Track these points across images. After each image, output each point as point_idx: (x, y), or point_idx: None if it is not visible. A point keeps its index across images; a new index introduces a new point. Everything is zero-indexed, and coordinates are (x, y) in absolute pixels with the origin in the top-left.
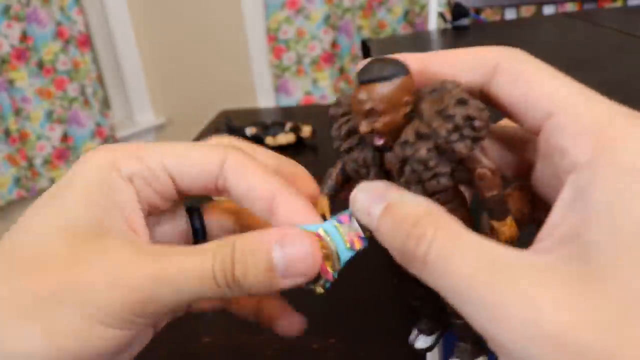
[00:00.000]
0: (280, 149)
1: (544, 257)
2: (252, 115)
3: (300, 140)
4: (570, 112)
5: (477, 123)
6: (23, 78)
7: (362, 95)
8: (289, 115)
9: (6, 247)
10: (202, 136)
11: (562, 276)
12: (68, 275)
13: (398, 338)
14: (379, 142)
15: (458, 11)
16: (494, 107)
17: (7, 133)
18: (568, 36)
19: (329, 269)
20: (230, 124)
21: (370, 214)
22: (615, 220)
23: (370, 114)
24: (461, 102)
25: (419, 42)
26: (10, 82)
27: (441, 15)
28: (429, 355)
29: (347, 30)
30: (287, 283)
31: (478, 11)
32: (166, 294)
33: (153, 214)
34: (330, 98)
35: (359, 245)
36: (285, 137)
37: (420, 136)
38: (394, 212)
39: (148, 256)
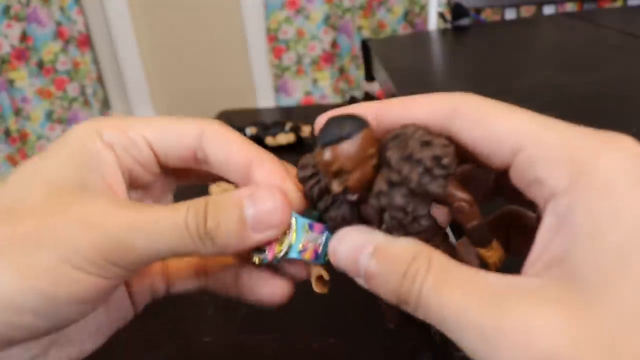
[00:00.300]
0: (280, 149)
1: (534, 281)
2: (252, 115)
3: (300, 140)
4: (539, 143)
5: (445, 161)
6: (23, 78)
7: (327, 156)
8: (289, 115)
9: None
10: None
11: (552, 299)
12: (45, 220)
13: (398, 338)
14: (353, 197)
15: (458, 11)
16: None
17: (7, 133)
18: (568, 36)
19: (275, 249)
20: (230, 124)
21: (358, 260)
22: (598, 241)
23: (339, 173)
24: (425, 143)
25: (419, 42)
26: (10, 82)
27: (441, 16)
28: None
29: (347, 30)
30: (258, 237)
31: (478, 11)
32: (140, 242)
33: (135, 186)
34: (330, 98)
35: (308, 257)
36: (285, 137)
37: (392, 184)
38: (385, 254)
39: (124, 207)
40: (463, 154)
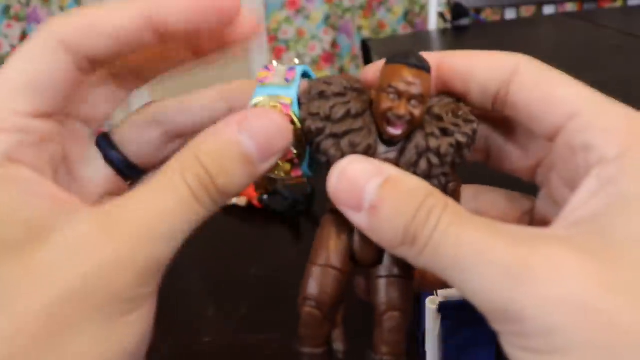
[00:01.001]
0: None
1: (561, 231)
2: None
3: None
4: (595, 112)
5: (473, 142)
6: None
7: (411, 78)
8: None
9: None
10: None
11: (580, 247)
12: (24, 309)
13: None
14: (399, 130)
15: (458, 11)
16: (507, 111)
17: None
18: (568, 36)
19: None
20: None
21: (364, 188)
22: (636, 207)
23: (414, 98)
24: (469, 119)
25: (419, 42)
26: None
27: (441, 15)
28: (429, 355)
29: (347, 30)
30: (266, 166)
31: (478, 11)
32: (160, 245)
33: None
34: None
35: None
36: None
37: (445, 132)
38: (399, 185)
39: (114, 220)
40: (513, 114)
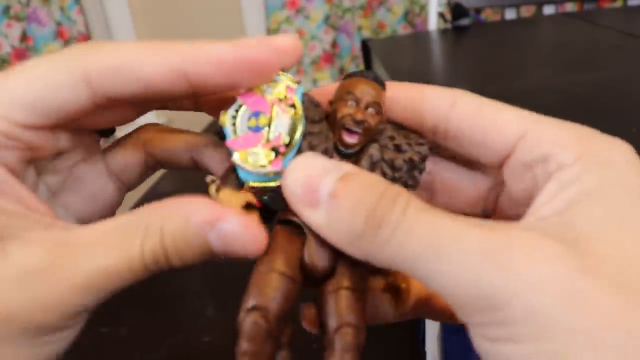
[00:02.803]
0: None
1: (533, 223)
2: None
3: None
4: (543, 128)
5: (424, 167)
6: None
7: (369, 88)
8: None
9: None
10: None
11: (552, 235)
12: None
13: (398, 336)
14: (354, 139)
15: (458, 11)
16: (449, 144)
17: None
18: (568, 36)
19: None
20: None
21: (319, 183)
22: (600, 200)
23: (370, 106)
24: (420, 142)
25: (419, 42)
26: None
27: (441, 16)
28: (428, 354)
29: (347, 30)
30: (226, 255)
31: (478, 11)
32: (96, 296)
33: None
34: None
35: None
36: None
37: (398, 148)
38: (358, 178)
39: (65, 260)
40: (456, 146)
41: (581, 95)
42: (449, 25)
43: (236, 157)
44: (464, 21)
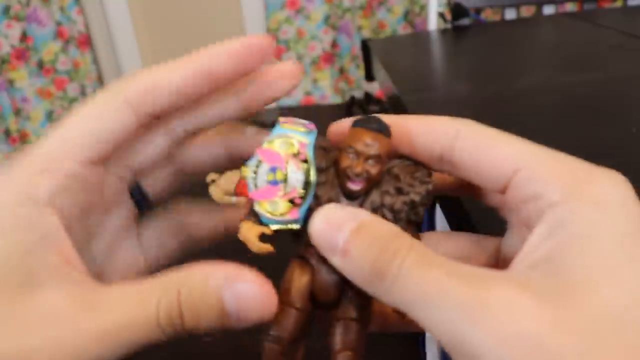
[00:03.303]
0: None
1: (517, 273)
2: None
3: None
4: (537, 163)
5: (428, 202)
6: (23, 78)
7: (369, 140)
8: (288, 116)
9: None
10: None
11: (537, 288)
12: (6, 348)
13: (398, 337)
14: (358, 186)
15: (458, 11)
16: (455, 172)
17: (7, 133)
18: (568, 36)
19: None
20: (230, 123)
21: (340, 232)
22: (587, 244)
23: (371, 158)
24: (425, 181)
25: (419, 42)
26: (10, 82)
27: (441, 16)
28: (429, 355)
29: (347, 30)
30: (239, 325)
31: (478, 11)
32: (111, 350)
33: (93, 211)
34: (331, 98)
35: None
36: None
37: (399, 191)
38: (368, 229)
39: (88, 312)
40: (462, 175)
41: (581, 95)
42: (449, 25)
43: (258, 207)
44: (464, 21)
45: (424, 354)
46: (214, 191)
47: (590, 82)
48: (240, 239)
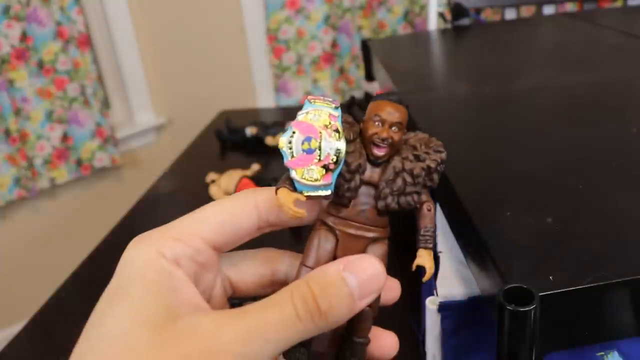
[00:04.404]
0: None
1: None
2: (252, 115)
3: None
4: None
5: (442, 169)
6: (23, 78)
7: (392, 109)
8: (289, 115)
9: (89, 348)
10: (202, 135)
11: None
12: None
13: (398, 336)
14: (382, 152)
15: (458, 11)
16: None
17: (7, 133)
18: (568, 36)
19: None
20: (230, 124)
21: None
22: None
23: (394, 125)
24: (439, 150)
25: (419, 42)
26: (10, 82)
27: (441, 15)
28: (428, 354)
29: (347, 30)
30: (362, 304)
31: (478, 11)
32: (258, 349)
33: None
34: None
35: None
36: None
37: (417, 158)
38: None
39: (229, 319)
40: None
41: (581, 95)
42: (449, 25)
43: (294, 174)
44: (464, 21)
45: (424, 353)
46: (214, 191)
47: (590, 82)
48: (277, 204)
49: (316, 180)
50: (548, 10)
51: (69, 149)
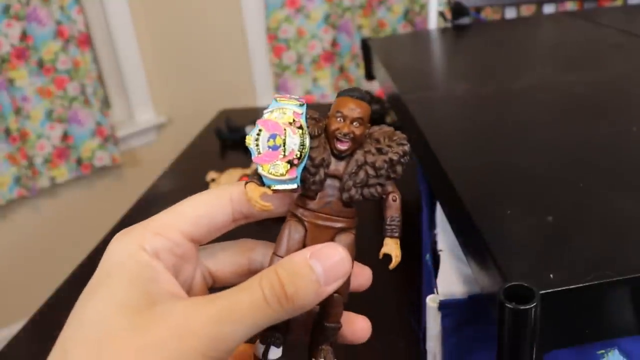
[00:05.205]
0: None
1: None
2: (252, 114)
3: None
4: None
5: (405, 161)
6: (23, 77)
7: (353, 105)
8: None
9: (70, 335)
10: (203, 135)
11: None
12: (137, 342)
13: (398, 335)
14: (345, 146)
15: (458, 10)
16: None
17: (8, 132)
18: (568, 35)
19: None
20: (230, 123)
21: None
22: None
23: (355, 121)
24: (402, 143)
25: (419, 41)
26: (10, 81)
27: (441, 14)
28: (429, 354)
29: (347, 29)
30: (329, 290)
31: (478, 10)
32: (229, 330)
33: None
34: (331, 97)
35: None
36: None
37: (380, 151)
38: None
39: (201, 304)
40: None
41: (581, 94)
42: (449, 24)
43: (261, 170)
44: (464, 20)
45: (424, 353)
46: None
47: (590, 81)
48: (245, 198)
49: (282, 175)
50: (548, 9)
51: (69, 148)
